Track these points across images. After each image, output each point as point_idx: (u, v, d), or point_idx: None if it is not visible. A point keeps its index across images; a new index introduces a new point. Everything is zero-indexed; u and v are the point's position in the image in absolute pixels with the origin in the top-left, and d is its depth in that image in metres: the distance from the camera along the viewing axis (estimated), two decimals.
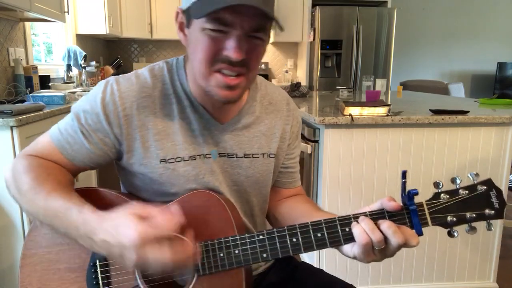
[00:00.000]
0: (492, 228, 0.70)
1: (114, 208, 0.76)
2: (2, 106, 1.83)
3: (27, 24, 2.93)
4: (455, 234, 0.70)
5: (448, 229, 0.71)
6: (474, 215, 0.70)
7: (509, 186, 2.00)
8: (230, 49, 0.71)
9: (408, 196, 0.69)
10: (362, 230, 0.68)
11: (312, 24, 4.81)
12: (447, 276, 2.04)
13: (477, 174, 0.70)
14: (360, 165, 1.89)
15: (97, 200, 0.80)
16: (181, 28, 0.79)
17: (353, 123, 1.80)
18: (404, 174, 0.70)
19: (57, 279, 0.78)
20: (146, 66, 0.88)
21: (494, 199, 0.70)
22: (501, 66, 6.29)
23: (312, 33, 4.82)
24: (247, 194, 0.90)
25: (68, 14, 3.09)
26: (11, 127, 1.66)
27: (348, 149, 1.86)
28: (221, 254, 0.72)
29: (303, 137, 2.06)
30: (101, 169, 2.61)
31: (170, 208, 0.68)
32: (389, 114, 1.83)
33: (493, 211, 0.70)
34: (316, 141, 1.93)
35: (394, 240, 0.66)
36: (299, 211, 0.91)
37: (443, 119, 1.83)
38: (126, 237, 0.62)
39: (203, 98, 0.82)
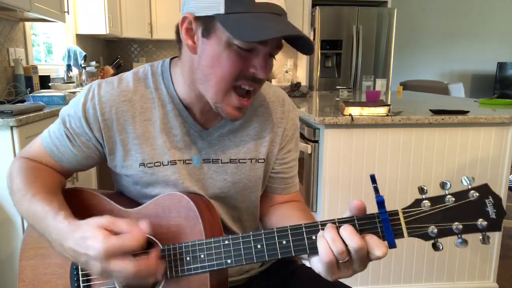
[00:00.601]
0: (489, 242, 0.60)
1: (94, 212, 0.81)
2: (2, 106, 1.83)
3: (27, 24, 2.93)
4: (440, 246, 0.60)
5: (432, 241, 0.61)
6: (461, 226, 0.59)
7: (509, 186, 2.00)
8: (260, 68, 0.71)
9: (377, 204, 0.62)
10: (324, 241, 0.62)
11: (312, 24, 4.82)
12: (447, 276, 2.04)
13: (473, 178, 0.60)
14: (360, 165, 1.89)
15: (81, 202, 0.84)
16: (189, 35, 0.74)
17: (353, 123, 1.80)
18: (373, 179, 0.62)
19: (48, 273, 0.82)
20: (134, 68, 0.88)
21: (490, 208, 0.59)
22: (501, 66, 6.29)
23: (312, 33, 4.82)
24: (234, 200, 0.88)
25: (68, 14, 3.09)
26: (11, 127, 1.66)
27: (348, 149, 1.86)
28: (188, 258, 0.72)
29: (303, 137, 2.06)
30: (101, 169, 2.61)
31: (139, 222, 0.68)
32: (389, 114, 1.83)
33: (486, 222, 0.59)
34: (316, 141, 1.93)
35: (351, 245, 0.60)
36: (289, 221, 0.84)
37: (443, 119, 1.83)
38: (92, 248, 0.64)
39: (191, 103, 0.82)
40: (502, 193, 1.96)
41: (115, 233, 0.66)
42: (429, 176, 1.92)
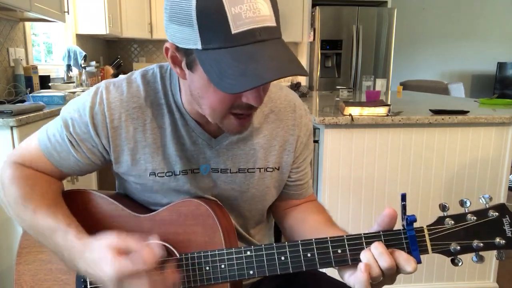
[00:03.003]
0: (503, 258, 0.63)
1: (103, 217, 0.79)
2: (2, 106, 1.83)
3: (27, 24, 2.93)
4: (459, 263, 0.63)
5: (452, 257, 0.64)
6: (481, 244, 0.62)
7: (509, 186, 2.00)
8: (253, 98, 0.65)
9: (406, 222, 0.64)
10: (366, 279, 0.62)
11: (312, 24, 4.81)
12: (447, 276, 2.04)
13: (490, 198, 0.63)
14: (360, 165, 1.89)
15: (89, 205, 0.81)
16: (176, 63, 0.69)
17: (353, 123, 1.80)
18: (403, 197, 0.64)
19: (49, 279, 0.79)
20: (142, 68, 0.83)
21: (507, 227, 0.62)
22: (501, 66, 6.29)
23: (312, 33, 4.82)
24: (241, 208, 0.86)
25: (68, 14, 3.09)
26: (11, 127, 1.66)
27: (348, 149, 1.86)
28: (207, 268, 0.70)
29: None
30: (99, 170, 2.61)
31: (150, 243, 0.67)
32: (389, 114, 1.83)
33: (504, 241, 0.62)
34: (316, 141, 1.93)
35: (380, 262, 0.62)
36: (308, 226, 0.85)
37: (443, 119, 1.83)
38: (103, 272, 0.64)
39: (197, 114, 0.78)
40: (502, 193, 1.96)
41: (126, 252, 0.64)
42: (429, 176, 1.92)
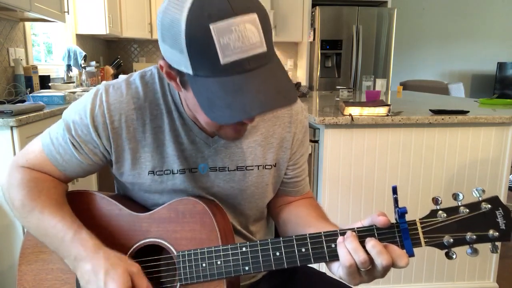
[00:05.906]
0: (498, 251, 0.63)
1: (102, 216, 0.81)
2: (2, 106, 1.83)
3: (27, 24, 2.93)
4: (454, 256, 0.64)
5: (446, 250, 0.64)
6: (474, 236, 0.62)
7: (509, 186, 2.00)
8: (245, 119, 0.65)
9: (398, 214, 0.64)
10: (346, 251, 0.63)
11: (312, 24, 4.81)
12: (447, 276, 2.04)
13: (483, 191, 0.63)
14: (360, 165, 1.89)
15: (90, 205, 0.83)
16: (171, 77, 0.69)
17: (353, 123, 1.80)
18: (394, 190, 0.64)
19: (50, 279, 0.80)
20: (140, 70, 0.84)
21: (500, 219, 0.62)
22: (501, 66, 6.29)
23: (312, 33, 4.82)
24: (241, 206, 0.87)
25: (68, 14, 3.09)
26: (11, 127, 1.66)
27: (348, 149, 1.86)
28: (204, 264, 0.71)
29: None
30: (101, 170, 2.61)
31: None
32: (389, 114, 1.83)
33: (497, 233, 0.62)
34: (316, 141, 1.93)
35: (379, 261, 0.61)
36: (301, 220, 0.86)
37: (443, 119, 1.83)
38: (107, 286, 0.67)
39: (193, 116, 0.79)
40: (502, 193, 1.96)
41: (134, 286, 0.69)
42: (429, 176, 1.92)
